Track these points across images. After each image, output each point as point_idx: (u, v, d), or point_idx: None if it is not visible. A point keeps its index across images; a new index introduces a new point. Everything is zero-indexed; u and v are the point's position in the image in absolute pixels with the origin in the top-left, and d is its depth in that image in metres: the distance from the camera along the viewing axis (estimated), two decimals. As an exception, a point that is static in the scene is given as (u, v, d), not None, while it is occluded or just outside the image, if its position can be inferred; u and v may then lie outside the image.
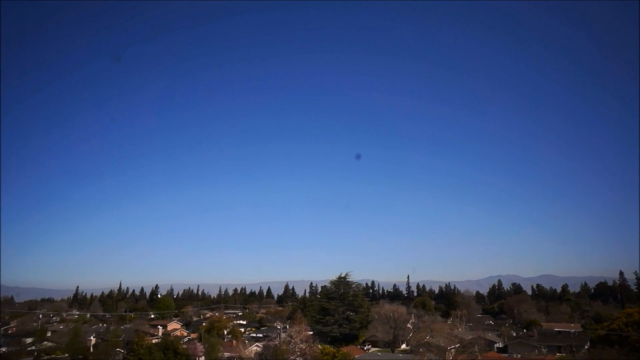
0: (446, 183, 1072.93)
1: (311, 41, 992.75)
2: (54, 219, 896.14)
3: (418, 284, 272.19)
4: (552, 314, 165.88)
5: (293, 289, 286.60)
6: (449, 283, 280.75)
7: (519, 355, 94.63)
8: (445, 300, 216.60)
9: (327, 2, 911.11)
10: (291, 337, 78.36)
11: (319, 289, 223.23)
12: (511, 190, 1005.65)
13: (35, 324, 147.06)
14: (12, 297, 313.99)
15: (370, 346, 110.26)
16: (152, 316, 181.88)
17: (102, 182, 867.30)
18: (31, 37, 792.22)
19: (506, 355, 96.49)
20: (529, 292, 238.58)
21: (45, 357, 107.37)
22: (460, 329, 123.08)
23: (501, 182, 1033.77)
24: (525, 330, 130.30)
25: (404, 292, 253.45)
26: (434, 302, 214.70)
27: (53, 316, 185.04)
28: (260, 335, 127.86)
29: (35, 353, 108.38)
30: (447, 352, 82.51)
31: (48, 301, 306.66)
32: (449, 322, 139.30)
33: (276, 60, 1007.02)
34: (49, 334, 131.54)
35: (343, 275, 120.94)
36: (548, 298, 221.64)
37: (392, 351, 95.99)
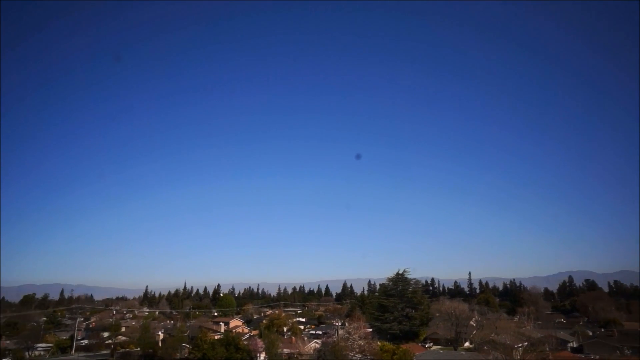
0: (508, 177, 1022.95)
1: (311, 42, 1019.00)
2: (128, 227, 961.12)
3: (480, 280, 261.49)
4: (635, 312, 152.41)
5: (351, 286, 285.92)
6: (514, 279, 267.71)
7: (597, 357, 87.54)
8: (511, 297, 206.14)
9: (327, 3, 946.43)
10: (349, 333, 77.70)
11: (378, 287, 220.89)
12: (580, 184, 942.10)
13: (111, 320, 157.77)
14: (91, 296, 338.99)
15: (431, 344, 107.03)
16: (215, 314, 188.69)
17: (163, 190, 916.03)
18: (31, 37, 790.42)
19: (582, 355, 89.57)
20: (605, 289, 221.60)
21: (120, 350, 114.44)
22: (527, 327, 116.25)
23: (566, 174, 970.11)
24: (603, 330, 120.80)
25: (466, 289, 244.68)
26: (498, 299, 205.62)
27: (126, 313, 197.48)
28: (319, 332, 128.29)
29: (112, 346, 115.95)
30: (514, 351, 78.04)
31: (122, 299, 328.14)
32: (516, 319, 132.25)
33: (276, 61, 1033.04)
34: (123, 329, 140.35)
35: (401, 272, 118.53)
36: (629, 295, 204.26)
37: (455, 349, 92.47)
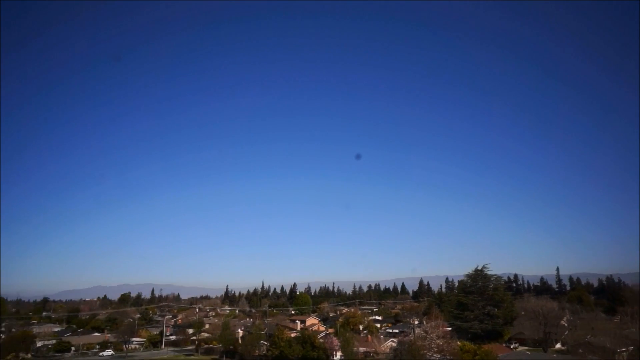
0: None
1: (312, 44, 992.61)
2: (211, 231, 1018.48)
3: (570, 276, 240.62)
4: None
5: (428, 284, 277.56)
6: (612, 275, 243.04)
7: None
8: (609, 295, 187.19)
9: (327, 3, 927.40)
10: (427, 332, 74.63)
11: (456, 284, 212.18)
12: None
13: (195, 318, 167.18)
14: (178, 295, 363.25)
15: (517, 344, 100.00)
16: (292, 312, 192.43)
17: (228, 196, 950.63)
18: (30, 39, 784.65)
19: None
20: None
21: (204, 346, 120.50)
22: (632, 329, 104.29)
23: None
24: None
25: (554, 285, 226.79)
26: (593, 297, 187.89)
27: (209, 311, 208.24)
28: (396, 330, 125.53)
29: (196, 342, 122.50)
30: (616, 355, 70.24)
31: (205, 298, 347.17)
32: (616, 320, 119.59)
33: (276, 62, 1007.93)
34: (206, 326, 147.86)
35: (480, 268, 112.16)
36: None
37: (545, 350, 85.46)
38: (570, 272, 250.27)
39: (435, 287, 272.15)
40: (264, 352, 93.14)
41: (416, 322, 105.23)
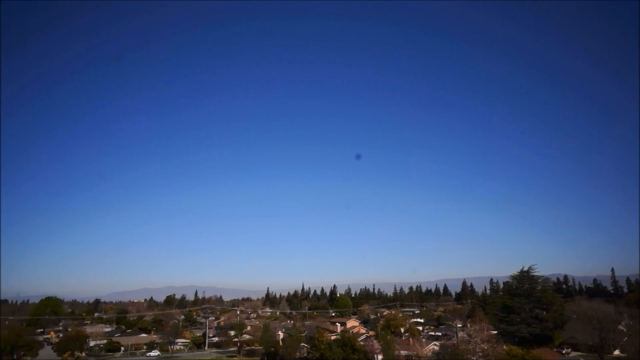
0: None
1: (311, 44, 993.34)
2: (255, 233, 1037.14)
3: (628, 277, 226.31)
4: None
5: (471, 285, 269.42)
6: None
7: None
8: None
9: (327, 4, 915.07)
10: (471, 336, 72.05)
11: (501, 286, 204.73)
12: None
13: (236, 319, 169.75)
14: (220, 297, 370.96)
15: (569, 350, 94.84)
16: (332, 314, 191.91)
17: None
18: (31, 40, 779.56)
19: None
20: None
21: (246, 348, 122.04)
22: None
23: None
24: None
25: (609, 287, 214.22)
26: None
27: (250, 313, 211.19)
28: (439, 333, 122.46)
29: (238, 344, 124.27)
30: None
31: (247, 300, 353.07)
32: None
33: (276, 63, 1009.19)
34: (248, 328, 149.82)
35: (526, 269, 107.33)
36: None
37: (601, 357, 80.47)
38: (628, 273, 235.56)
39: (479, 289, 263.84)
40: (305, 355, 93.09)
41: (459, 325, 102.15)
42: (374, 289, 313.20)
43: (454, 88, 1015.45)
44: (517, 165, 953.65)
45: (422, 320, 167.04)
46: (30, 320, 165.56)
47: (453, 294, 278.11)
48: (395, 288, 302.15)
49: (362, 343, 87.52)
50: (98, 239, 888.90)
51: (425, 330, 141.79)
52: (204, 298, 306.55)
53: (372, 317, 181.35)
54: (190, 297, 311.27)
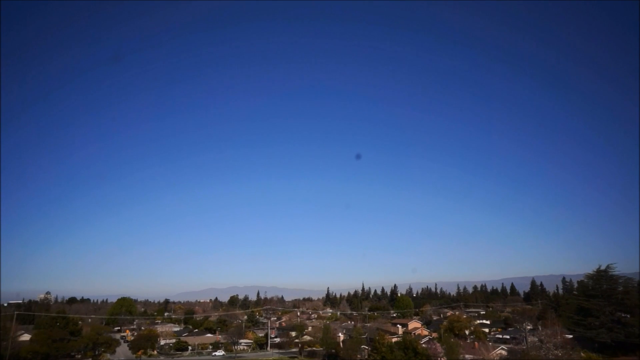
0: None
1: (311, 45, 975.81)
2: (314, 233, 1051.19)
3: None
4: None
5: (541, 285, 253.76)
6: None
7: None
8: None
9: (327, 5, 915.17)
10: (542, 341, 67.40)
11: (575, 285, 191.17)
12: None
13: (297, 320, 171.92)
14: (282, 297, 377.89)
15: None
16: (393, 315, 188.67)
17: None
18: (31, 42, 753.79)
19: None
20: None
21: (307, 349, 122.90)
22: None
23: None
24: None
25: None
26: None
27: (311, 313, 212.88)
28: (507, 336, 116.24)
29: (300, 345, 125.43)
30: None
31: (308, 300, 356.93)
32: None
33: (276, 64, 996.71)
34: (309, 328, 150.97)
35: (603, 268, 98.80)
36: None
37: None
38: None
39: (550, 288, 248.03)
40: (365, 357, 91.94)
41: (529, 328, 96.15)
42: (435, 288, 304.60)
43: (455, 89, 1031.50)
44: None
45: (488, 322, 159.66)
46: (108, 319, 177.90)
47: (521, 293, 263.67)
48: (458, 287, 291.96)
49: (424, 346, 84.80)
50: (169, 241, 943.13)
51: (492, 333, 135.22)
52: (265, 298, 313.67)
53: (435, 318, 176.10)
54: (253, 297, 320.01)
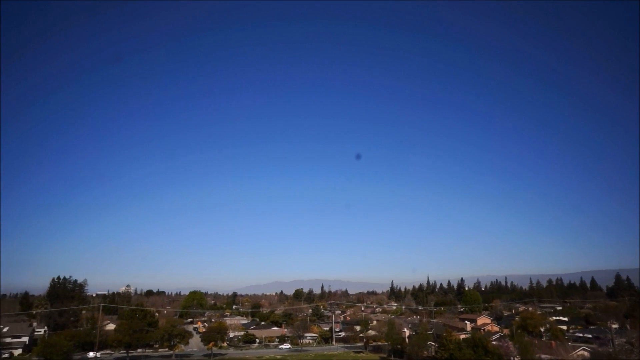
0: None
1: (312, 44, 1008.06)
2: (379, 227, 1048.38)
3: None
4: None
5: (627, 278, 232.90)
6: None
7: None
8: None
9: (327, 6, 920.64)
10: (632, 344, 61.15)
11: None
12: None
13: (362, 314, 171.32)
14: (346, 290, 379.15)
15: None
16: (460, 309, 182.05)
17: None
18: (31, 43, 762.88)
19: None
20: None
21: (372, 343, 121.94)
22: None
23: None
24: None
25: None
26: None
27: (376, 307, 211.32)
28: (588, 335, 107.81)
29: (364, 340, 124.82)
30: None
31: (372, 294, 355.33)
32: None
33: (277, 63, 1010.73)
34: (374, 322, 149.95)
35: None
36: None
37: None
38: None
39: (637, 283, 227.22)
40: (433, 354, 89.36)
41: (615, 326, 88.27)
42: (506, 282, 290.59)
43: (455, 89, 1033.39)
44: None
45: (565, 319, 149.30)
46: (181, 312, 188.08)
47: (604, 288, 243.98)
48: (530, 281, 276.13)
49: (495, 344, 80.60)
50: (238, 237, 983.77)
51: (571, 331, 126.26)
52: (330, 292, 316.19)
53: (506, 313, 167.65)
54: (317, 290, 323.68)
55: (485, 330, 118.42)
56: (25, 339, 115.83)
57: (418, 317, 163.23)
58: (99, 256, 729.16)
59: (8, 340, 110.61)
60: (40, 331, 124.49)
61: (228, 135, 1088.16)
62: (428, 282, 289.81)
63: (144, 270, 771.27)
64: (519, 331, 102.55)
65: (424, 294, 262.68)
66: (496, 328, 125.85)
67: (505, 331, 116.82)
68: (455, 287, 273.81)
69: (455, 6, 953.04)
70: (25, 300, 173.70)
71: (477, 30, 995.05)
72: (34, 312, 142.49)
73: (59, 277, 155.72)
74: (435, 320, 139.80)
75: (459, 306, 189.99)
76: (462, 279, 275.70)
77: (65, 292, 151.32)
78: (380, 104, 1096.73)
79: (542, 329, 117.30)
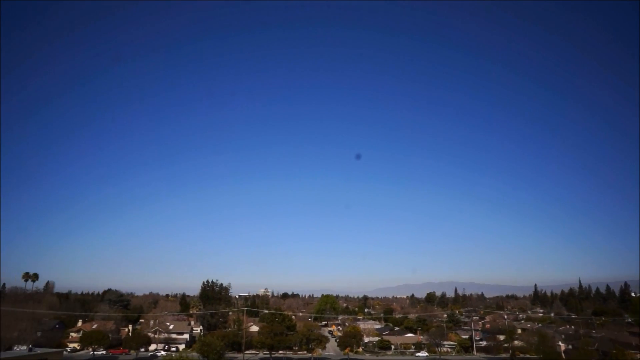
0: None
1: (312, 44, 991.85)
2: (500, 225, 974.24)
3: None
4: None
5: None
6: None
7: None
8: None
9: (327, 8, 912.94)
10: None
11: None
12: None
13: (504, 321, 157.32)
14: (482, 294, 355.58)
15: None
16: (629, 321, 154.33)
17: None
18: (31, 44, 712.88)
19: None
20: None
21: (519, 356, 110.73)
22: None
23: None
24: None
25: None
26: None
27: (518, 314, 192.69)
28: None
29: (510, 351, 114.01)
30: None
31: (512, 298, 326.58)
32: None
33: (277, 64, 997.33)
34: (519, 331, 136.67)
35: None
36: None
37: None
38: None
39: None
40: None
41: None
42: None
43: (455, 90, 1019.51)
44: None
45: None
46: (315, 315, 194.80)
47: None
48: None
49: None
50: (364, 239, 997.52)
51: None
52: (464, 295, 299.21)
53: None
54: (450, 293, 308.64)
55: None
56: (186, 336, 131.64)
57: (572, 327, 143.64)
58: (241, 260, 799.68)
59: (174, 336, 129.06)
60: (197, 329, 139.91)
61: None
62: (580, 285, 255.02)
63: (278, 272, 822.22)
64: None
65: (576, 299, 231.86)
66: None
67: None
68: (616, 292, 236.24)
69: (454, 8, 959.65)
70: (183, 301, 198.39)
71: (477, 32, 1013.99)
72: (191, 313, 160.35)
73: (208, 281, 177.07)
74: (596, 333, 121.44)
75: (626, 317, 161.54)
76: (625, 284, 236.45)
77: (214, 294, 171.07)
78: (380, 105, 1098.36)
79: None
